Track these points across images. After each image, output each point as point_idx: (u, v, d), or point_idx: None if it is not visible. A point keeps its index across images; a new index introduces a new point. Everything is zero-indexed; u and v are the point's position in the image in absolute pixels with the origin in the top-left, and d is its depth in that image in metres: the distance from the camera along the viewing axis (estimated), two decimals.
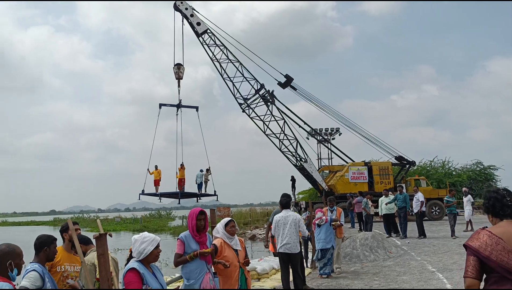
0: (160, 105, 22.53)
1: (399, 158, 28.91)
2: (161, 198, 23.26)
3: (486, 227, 2.91)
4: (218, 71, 26.81)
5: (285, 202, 7.93)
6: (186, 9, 26.02)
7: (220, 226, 5.49)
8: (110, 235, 3.96)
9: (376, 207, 21.47)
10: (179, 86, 23.08)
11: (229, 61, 26.70)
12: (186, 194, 23.62)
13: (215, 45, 26.64)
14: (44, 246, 3.90)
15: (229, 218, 5.60)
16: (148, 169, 22.53)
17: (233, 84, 26.85)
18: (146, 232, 3.83)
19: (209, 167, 23.68)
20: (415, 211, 16.03)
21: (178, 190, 22.94)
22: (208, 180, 23.88)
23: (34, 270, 3.73)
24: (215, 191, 23.23)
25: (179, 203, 24.85)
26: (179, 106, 22.47)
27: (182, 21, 25.78)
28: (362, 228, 19.35)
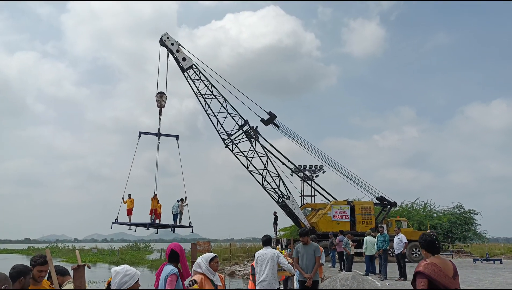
0: (140, 133, 22.59)
1: (381, 199, 28.99)
2: (136, 228, 22.84)
3: (426, 260, 4.15)
4: (202, 106, 26.90)
5: (265, 239, 8.05)
6: (172, 44, 26.29)
7: (203, 261, 5.34)
8: (89, 267, 3.89)
9: (357, 246, 21.31)
10: (160, 114, 23.24)
11: (214, 97, 26.85)
12: (157, 225, 23.21)
13: (200, 81, 26.82)
14: (20, 276, 3.83)
15: (214, 254, 5.49)
16: (122, 198, 22.27)
17: (217, 120, 26.90)
18: (127, 265, 3.77)
19: (185, 197, 23.33)
20: (397, 252, 15.89)
21: (150, 221, 22.60)
22: (182, 212, 23.46)
23: None
24: (190, 223, 22.81)
25: (157, 233, 24.33)
26: (158, 134, 22.51)
27: (168, 56, 26.03)
28: (342, 267, 19.10)
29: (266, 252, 7.82)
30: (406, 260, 16.64)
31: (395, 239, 16.09)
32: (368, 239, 17.25)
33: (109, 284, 3.69)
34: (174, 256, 4.87)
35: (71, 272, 3.69)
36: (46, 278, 4.60)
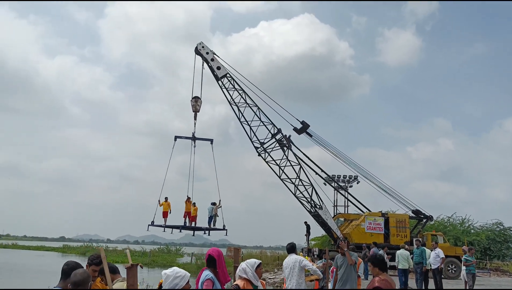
0: (175, 137, 23.02)
1: (416, 212, 28.24)
2: (172, 231, 23.14)
3: (379, 276, 4.78)
4: (236, 115, 27.04)
5: (289, 247, 8.48)
6: (207, 53, 26.62)
7: (248, 266, 5.35)
8: (141, 267, 4.07)
9: (391, 259, 20.80)
10: (195, 118, 23.61)
11: (247, 105, 26.96)
12: (191, 227, 23.43)
13: (234, 89, 27.01)
14: (72, 272, 3.93)
15: (259, 261, 5.53)
16: (159, 200, 22.62)
17: (250, 128, 26.96)
18: (176, 267, 3.94)
19: (220, 201, 23.47)
20: (434, 267, 15.41)
21: (184, 224, 22.98)
22: (218, 215, 23.57)
23: None
24: (224, 226, 22.92)
25: (193, 235, 24.52)
26: (193, 138, 22.85)
27: (202, 64, 26.38)
28: None
29: (290, 259, 8.17)
30: (442, 276, 16.12)
31: (432, 254, 15.64)
32: (400, 252, 16.82)
33: (160, 285, 3.84)
34: (211, 261, 4.89)
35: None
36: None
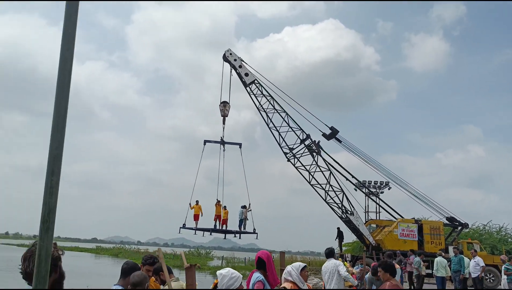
0: (205, 141, 23.38)
1: (451, 219, 27.48)
2: (204, 233, 23.40)
3: (390, 281, 4.89)
4: (264, 120, 27.01)
5: (328, 251, 8.67)
6: (235, 60, 26.74)
7: (293, 269, 5.33)
8: (199, 267, 4.28)
9: (427, 267, 20.30)
10: (224, 123, 23.81)
11: (276, 111, 26.90)
12: (222, 230, 23.55)
13: (262, 95, 27.01)
14: (132, 272, 4.23)
15: (304, 264, 5.50)
16: (190, 203, 22.84)
17: (279, 134, 26.88)
18: (231, 269, 4.04)
19: (249, 204, 23.48)
20: (474, 276, 14.94)
21: (214, 227, 23.23)
22: (247, 219, 23.61)
23: None
24: (254, 229, 23.00)
25: (225, 238, 24.68)
26: (222, 142, 23.04)
27: (231, 71, 26.54)
28: (412, 288, 18.25)
29: (329, 263, 8.30)
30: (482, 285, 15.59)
31: (472, 263, 15.18)
32: (439, 260, 16.41)
33: (215, 285, 3.94)
34: (261, 264, 4.97)
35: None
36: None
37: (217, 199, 23.69)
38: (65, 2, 1.43)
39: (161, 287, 5.10)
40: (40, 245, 1.35)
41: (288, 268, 5.45)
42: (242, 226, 23.67)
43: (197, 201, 23.60)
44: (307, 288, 5.41)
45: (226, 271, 3.98)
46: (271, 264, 4.95)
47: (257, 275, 4.84)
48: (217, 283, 3.96)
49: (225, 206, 23.91)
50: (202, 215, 23.72)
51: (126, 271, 4.30)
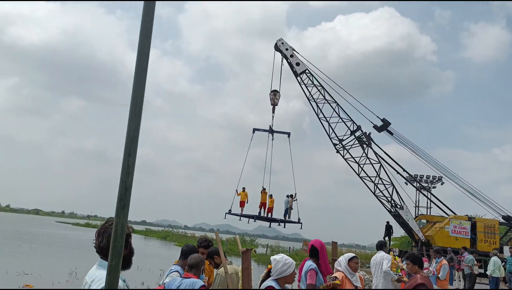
0: (254, 129, 23.50)
1: (507, 218, 26.27)
2: (249, 220, 23.70)
3: (421, 273, 4.77)
4: (314, 111, 26.85)
5: (378, 244, 8.71)
6: (287, 49, 26.63)
7: (343, 259, 5.45)
8: (255, 251, 4.38)
9: (480, 267, 19.63)
10: (273, 112, 23.85)
11: (326, 102, 26.67)
12: (266, 218, 23.74)
13: (312, 85, 26.82)
14: (190, 254, 4.44)
15: (353, 254, 5.57)
16: (236, 190, 23.18)
17: (329, 124, 26.66)
18: (284, 255, 4.11)
19: (295, 193, 23.52)
20: None
21: (258, 214, 23.43)
22: (292, 208, 23.68)
23: (177, 271, 4.43)
24: (299, 219, 23.03)
25: (270, 226, 24.95)
26: (271, 131, 23.12)
27: (282, 60, 26.45)
28: (465, 287, 17.74)
29: (377, 256, 8.30)
30: None
31: None
32: (495, 259, 15.84)
33: (269, 270, 4.04)
34: (314, 252, 5.06)
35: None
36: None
37: (263, 187, 23.91)
38: (142, 2, 1.49)
39: (215, 270, 5.27)
40: (117, 221, 1.41)
41: (340, 258, 5.56)
42: (287, 215, 23.78)
43: (243, 188, 23.91)
44: (358, 279, 5.44)
45: (280, 257, 4.04)
46: (324, 253, 5.01)
47: (309, 263, 4.92)
48: (271, 268, 4.06)
49: (271, 195, 24.06)
50: (247, 202, 24.02)
51: (186, 253, 4.53)
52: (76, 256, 26.82)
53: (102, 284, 2.41)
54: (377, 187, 26.14)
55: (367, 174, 26.26)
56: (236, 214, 23.48)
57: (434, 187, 33.99)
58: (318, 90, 26.73)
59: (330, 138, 26.71)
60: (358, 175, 26.37)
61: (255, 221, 24.04)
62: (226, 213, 23.00)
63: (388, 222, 28.10)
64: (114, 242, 1.39)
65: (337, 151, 26.68)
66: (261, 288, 3.98)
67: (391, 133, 26.77)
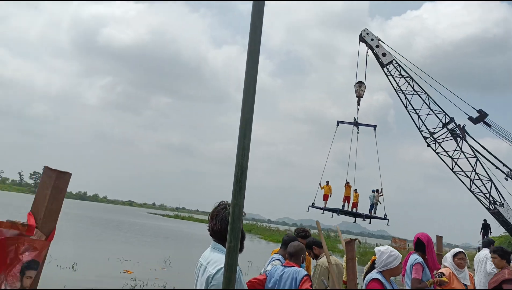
0: (338, 122, 23.27)
1: None
2: (332, 215, 23.43)
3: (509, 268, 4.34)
4: (402, 103, 25.75)
5: (485, 241, 8.48)
6: (372, 40, 25.83)
7: (449, 255, 5.25)
8: (359, 242, 4.37)
9: None
10: (358, 104, 23.42)
11: (415, 93, 25.44)
12: (350, 212, 23.22)
13: (400, 76, 25.74)
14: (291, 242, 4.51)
15: (459, 249, 5.33)
16: (320, 183, 22.96)
17: (419, 117, 25.41)
18: (390, 247, 4.02)
19: (381, 189, 22.78)
20: None
21: (342, 208, 23.01)
22: (380, 203, 22.96)
23: (278, 259, 4.55)
24: (385, 215, 22.32)
25: (355, 222, 24.51)
26: (356, 123, 22.61)
27: (367, 51, 25.78)
28: None
29: (481, 253, 7.98)
30: None
31: None
32: None
33: (373, 262, 4.00)
34: (420, 245, 4.84)
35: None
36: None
37: (346, 180, 23.48)
38: (251, 2, 1.50)
39: (313, 261, 5.23)
40: (234, 203, 1.42)
41: (447, 254, 5.35)
42: (373, 210, 23.16)
43: (327, 182, 23.66)
44: (467, 276, 5.16)
45: (385, 249, 3.93)
46: (431, 247, 4.78)
47: (415, 257, 4.72)
48: (375, 260, 3.98)
49: (355, 189, 23.56)
50: (331, 195, 23.73)
51: (286, 242, 4.55)
52: (168, 245, 28.42)
53: (219, 266, 2.49)
54: (473, 182, 24.46)
55: (461, 169, 24.67)
56: (319, 207, 23.33)
57: None
58: (407, 81, 25.58)
59: (420, 131, 25.46)
60: (452, 169, 24.86)
61: (338, 215, 23.70)
62: (309, 206, 22.98)
63: (485, 221, 26.31)
64: (232, 224, 1.40)
65: (428, 145, 25.35)
66: (365, 279, 3.90)
67: (488, 125, 24.85)
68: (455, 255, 5.15)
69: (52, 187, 1.72)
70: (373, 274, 3.83)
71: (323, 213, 23.49)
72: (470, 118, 25.00)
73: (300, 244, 4.27)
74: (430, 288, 4.46)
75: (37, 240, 1.68)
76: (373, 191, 23.43)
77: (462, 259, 5.08)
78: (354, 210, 23.42)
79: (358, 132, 22.91)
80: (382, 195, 22.89)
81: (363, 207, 23.67)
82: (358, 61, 24.81)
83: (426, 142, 25.31)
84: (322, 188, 23.34)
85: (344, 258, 4.26)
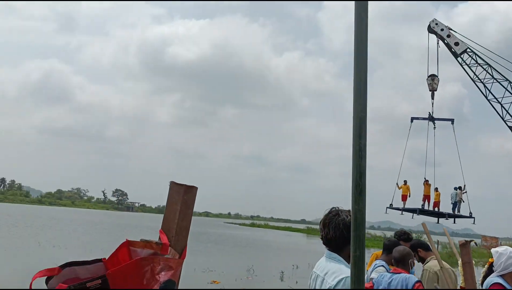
0: (412, 118, 22.62)
1: None
2: (413, 215, 22.63)
3: None
4: (482, 93, 24.34)
5: None
6: (442, 30, 24.76)
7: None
8: (476, 244, 4.04)
9: None
10: (432, 98, 22.59)
11: (495, 81, 23.96)
12: (431, 212, 22.18)
13: (476, 65, 24.39)
14: (393, 248, 4.30)
15: None
16: (397, 183, 22.26)
17: (501, 106, 23.89)
18: (509, 247, 3.67)
19: (464, 185, 21.61)
20: None
21: (422, 208, 22.20)
22: (463, 201, 21.78)
23: (382, 265, 4.36)
24: (471, 213, 21.21)
25: (438, 222, 23.44)
26: (431, 118, 21.72)
27: (437, 42, 24.75)
28: None
29: None
30: None
31: None
32: None
33: (490, 264, 3.66)
34: None
35: None
36: None
37: (425, 179, 22.54)
38: (354, 2, 1.42)
39: (421, 265, 4.86)
40: (355, 209, 1.33)
41: None
42: (457, 209, 22.02)
43: (405, 181, 22.92)
44: None
45: (504, 249, 3.60)
46: None
47: None
48: (492, 262, 3.67)
49: (436, 188, 22.56)
50: (410, 195, 22.91)
51: (389, 247, 4.37)
52: (249, 254, 28.85)
53: (339, 277, 2.35)
54: None
55: None
56: (398, 208, 22.65)
57: None
58: (484, 69, 24.16)
59: (504, 121, 23.90)
60: None
61: (418, 215, 22.82)
62: (387, 207, 22.42)
63: None
64: (355, 231, 1.31)
65: None
66: (484, 285, 3.60)
67: None
68: None
69: (181, 202, 1.69)
70: (494, 278, 3.51)
71: (401, 213, 22.81)
72: None
73: (406, 248, 4.05)
74: None
75: (172, 259, 1.63)
76: (455, 188, 22.38)
77: None
78: (436, 209, 22.46)
79: (434, 127, 22.02)
80: (466, 192, 21.79)
81: (445, 206, 22.60)
82: (428, 53, 23.90)
83: None
84: (399, 188, 22.66)
85: (460, 262, 4.01)
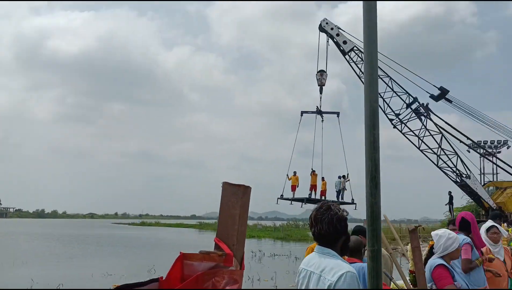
0: (302, 112, 23.30)
1: None
2: (302, 204, 23.53)
3: None
4: None
5: (492, 215, 7.96)
6: (332, 29, 26.16)
7: (482, 231, 5.09)
8: (423, 229, 4.15)
9: None
10: (321, 92, 23.56)
11: (378, 77, 25.98)
12: (318, 200, 23.46)
13: (362, 62, 26.22)
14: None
15: (492, 223, 5.18)
16: (287, 175, 23.05)
17: (383, 100, 26.06)
18: (447, 229, 3.84)
19: (347, 174, 23.17)
20: None
21: (308, 197, 23.21)
22: (346, 189, 23.35)
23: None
24: (352, 200, 22.77)
25: (302, 206, 24.61)
26: (319, 112, 22.73)
27: (327, 41, 25.99)
28: None
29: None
30: None
31: None
32: None
33: (431, 247, 3.81)
34: (464, 225, 4.69)
35: None
36: None
37: (312, 169, 23.64)
38: (362, 2, 1.48)
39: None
40: (372, 202, 1.31)
41: (480, 230, 5.08)
42: (340, 196, 23.48)
43: (294, 172, 23.72)
44: (503, 251, 5.14)
45: (443, 232, 3.77)
46: (476, 226, 4.67)
47: (462, 237, 4.61)
48: (433, 245, 3.81)
49: (322, 177, 23.73)
50: (298, 186, 23.83)
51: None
52: (144, 255, 27.72)
53: (340, 272, 2.27)
54: (439, 158, 25.42)
55: (428, 146, 25.58)
56: (287, 198, 23.39)
57: (499, 152, 32.70)
58: None
59: (386, 114, 26.13)
60: (419, 148, 25.72)
61: (305, 203, 23.84)
62: (278, 198, 22.96)
63: (450, 192, 27.41)
64: (372, 225, 1.32)
65: (394, 127, 26.09)
66: (427, 267, 3.71)
67: (449, 101, 25.87)
68: (487, 230, 5.00)
69: (240, 206, 1.52)
70: (436, 260, 3.67)
71: (291, 203, 23.57)
72: (432, 96, 25.90)
73: (358, 238, 4.04)
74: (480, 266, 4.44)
75: (236, 271, 1.48)
76: (339, 177, 23.68)
77: (496, 233, 4.96)
78: (323, 197, 23.55)
79: (322, 120, 22.92)
80: (349, 180, 23.18)
81: (332, 194, 23.93)
82: (319, 50, 24.95)
83: (392, 124, 26.02)
84: (289, 179, 23.39)
85: (409, 246, 4.12)
